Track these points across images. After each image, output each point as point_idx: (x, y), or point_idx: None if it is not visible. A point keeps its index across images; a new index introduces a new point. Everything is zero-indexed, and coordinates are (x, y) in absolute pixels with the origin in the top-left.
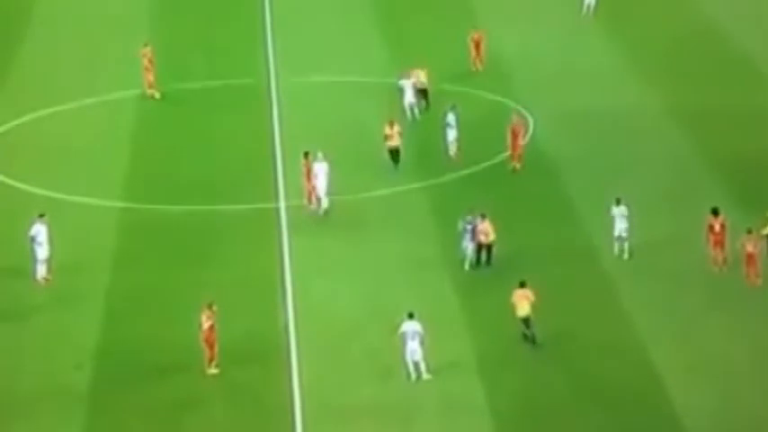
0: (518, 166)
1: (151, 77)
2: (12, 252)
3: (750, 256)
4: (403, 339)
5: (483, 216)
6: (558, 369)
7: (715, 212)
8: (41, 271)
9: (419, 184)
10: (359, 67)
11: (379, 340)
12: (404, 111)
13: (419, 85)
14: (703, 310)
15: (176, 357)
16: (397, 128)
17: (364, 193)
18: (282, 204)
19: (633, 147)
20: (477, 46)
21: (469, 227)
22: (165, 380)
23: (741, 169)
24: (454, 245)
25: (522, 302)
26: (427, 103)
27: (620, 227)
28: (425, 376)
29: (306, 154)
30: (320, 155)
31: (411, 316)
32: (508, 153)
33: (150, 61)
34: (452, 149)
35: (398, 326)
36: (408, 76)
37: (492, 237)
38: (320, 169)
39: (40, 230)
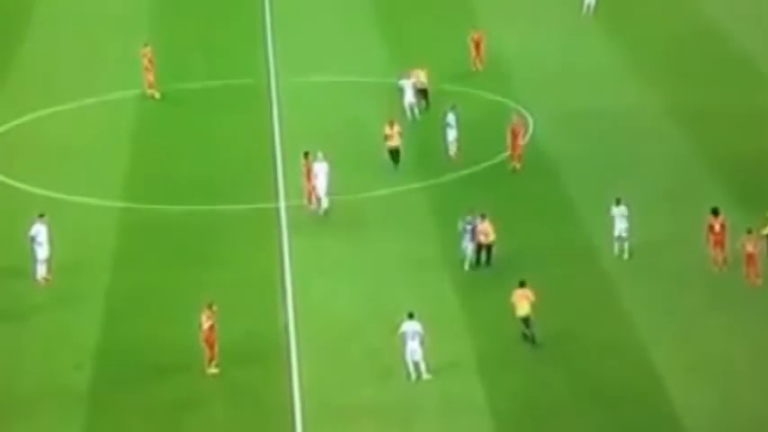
0: (518, 166)
1: (151, 77)
2: (12, 252)
3: (750, 256)
4: (403, 339)
5: (483, 216)
6: (558, 369)
7: (715, 212)
8: (41, 271)
9: (419, 184)
10: (359, 67)
11: (379, 340)
12: (404, 111)
13: (419, 85)
14: (703, 310)
15: (176, 357)
16: (397, 128)
17: (364, 193)
18: (282, 204)
19: (633, 147)
20: (477, 46)
21: (469, 227)
22: (165, 380)
23: (741, 169)
24: (454, 245)
25: (522, 302)
26: (427, 103)
27: (620, 227)
28: (425, 376)
29: (306, 154)
30: (320, 155)
31: (411, 316)
32: (508, 153)
33: (150, 61)
34: (452, 149)
35: (398, 326)
36: (408, 76)
37: (492, 237)
38: (320, 169)
39: (39, 230)
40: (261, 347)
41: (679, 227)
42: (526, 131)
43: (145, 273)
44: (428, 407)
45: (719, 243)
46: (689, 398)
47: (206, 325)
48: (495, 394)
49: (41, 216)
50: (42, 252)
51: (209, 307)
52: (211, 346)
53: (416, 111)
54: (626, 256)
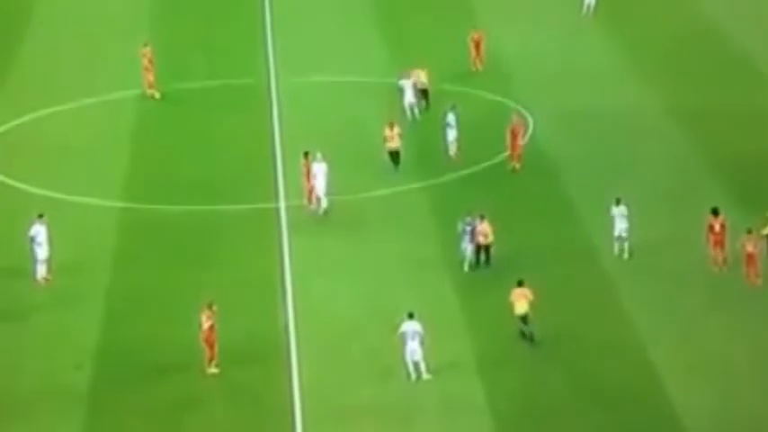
0: (518, 166)
1: (151, 77)
2: (12, 252)
3: (750, 256)
4: (403, 339)
5: (482, 217)
6: (558, 369)
7: (715, 212)
8: (41, 271)
9: (419, 184)
10: (359, 67)
11: (379, 340)
12: (404, 111)
13: (419, 85)
14: (703, 310)
15: (176, 357)
16: (397, 129)
17: (364, 193)
18: (282, 204)
19: (633, 147)
20: (477, 46)
21: (469, 228)
22: (165, 380)
23: (741, 169)
24: (454, 245)
25: (521, 300)
26: (427, 103)
27: (620, 227)
28: (425, 376)
29: (306, 154)
30: (319, 155)
31: (411, 316)
32: (507, 153)
33: (150, 61)
34: (452, 149)
35: (398, 326)
36: (408, 76)
37: (491, 238)
38: (319, 170)
39: (39, 231)
40: (261, 347)
41: (679, 227)
42: (526, 131)
43: (145, 273)
44: (428, 407)
45: (719, 243)
46: (689, 398)
47: (206, 325)
48: (495, 394)
49: (41, 216)
50: (42, 252)
51: (209, 307)
52: (211, 346)
53: (416, 111)
54: (626, 256)
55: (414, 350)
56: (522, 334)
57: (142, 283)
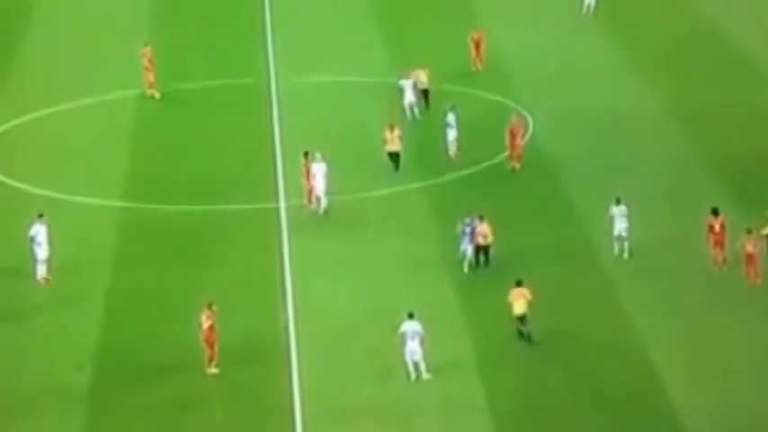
0: (517, 166)
1: (151, 77)
2: (12, 252)
3: (750, 256)
4: (403, 339)
5: (481, 218)
6: (558, 369)
7: (715, 212)
8: (41, 271)
9: (419, 184)
10: (359, 67)
11: (379, 340)
12: (404, 111)
13: (419, 86)
14: (703, 310)
15: (176, 357)
16: (397, 132)
17: (364, 193)
18: (282, 204)
19: (633, 147)
20: (477, 46)
21: (468, 229)
22: (165, 380)
23: (741, 169)
24: (454, 245)
25: (519, 300)
26: (427, 103)
27: (620, 227)
28: (425, 376)
29: (305, 154)
30: (318, 155)
31: (411, 316)
32: (507, 153)
33: (150, 61)
34: (452, 149)
35: (398, 326)
36: (408, 76)
37: (490, 239)
38: (318, 170)
39: (39, 231)
40: (261, 347)
41: (679, 227)
42: (525, 131)
43: (145, 273)
44: (428, 407)
45: (719, 243)
46: (689, 398)
47: (206, 325)
48: (495, 394)
49: (41, 216)
50: (42, 252)
51: (209, 307)
52: (211, 346)
53: (416, 111)
54: (626, 255)
55: (414, 350)
56: (520, 334)
57: (142, 283)
